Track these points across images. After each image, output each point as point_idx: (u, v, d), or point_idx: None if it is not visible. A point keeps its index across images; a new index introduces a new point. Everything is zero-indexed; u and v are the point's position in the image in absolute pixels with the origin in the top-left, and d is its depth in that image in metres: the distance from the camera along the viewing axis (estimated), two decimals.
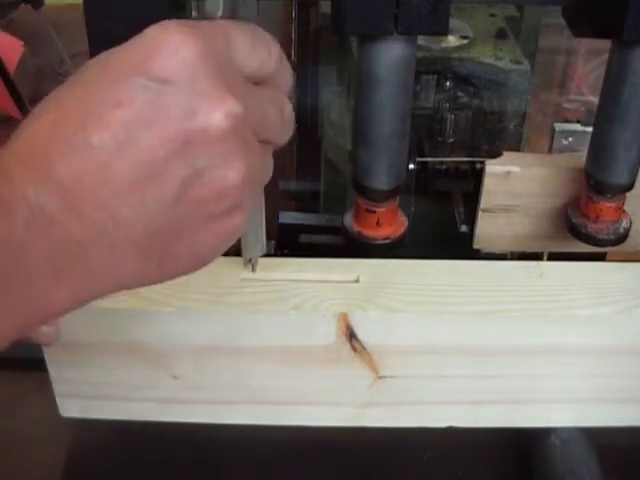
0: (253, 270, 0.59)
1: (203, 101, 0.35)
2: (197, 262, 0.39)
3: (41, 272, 0.34)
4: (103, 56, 0.36)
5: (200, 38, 0.36)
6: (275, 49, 0.40)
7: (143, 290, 0.55)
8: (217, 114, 0.35)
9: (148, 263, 0.36)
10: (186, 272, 0.39)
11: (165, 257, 0.37)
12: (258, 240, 0.59)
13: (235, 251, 0.95)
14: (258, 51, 0.39)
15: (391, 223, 0.60)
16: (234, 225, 0.38)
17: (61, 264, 0.34)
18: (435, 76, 0.76)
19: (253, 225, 0.58)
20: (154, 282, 0.38)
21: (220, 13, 0.48)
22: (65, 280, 0.34)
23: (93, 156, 0.33)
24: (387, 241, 0.60)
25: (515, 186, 0.64)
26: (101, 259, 0.35)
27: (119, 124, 0.34)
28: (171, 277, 0.38)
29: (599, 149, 0.58)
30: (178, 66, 0.35)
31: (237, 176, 0.36)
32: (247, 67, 0.38)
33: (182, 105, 0.35)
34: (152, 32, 0.36)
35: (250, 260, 0.59)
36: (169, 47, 0.35)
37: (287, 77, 0.42)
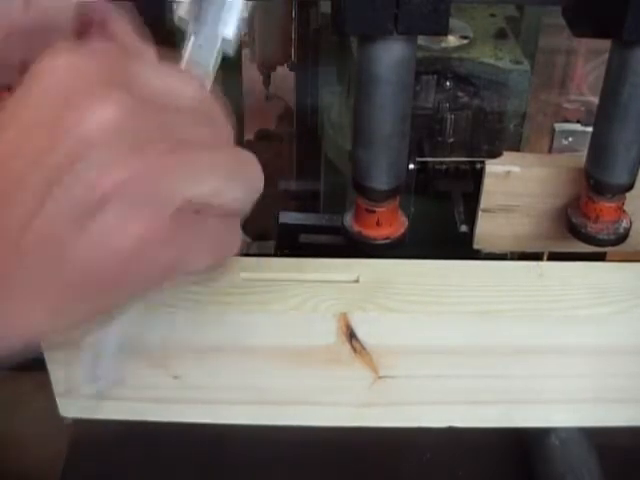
0: None
1: (85, 98, 0.32)
2: (100, 286, 0.33)
3: None
4: None
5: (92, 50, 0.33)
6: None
7: None
8: (97, 107, 0.31)
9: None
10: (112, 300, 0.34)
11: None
12: None
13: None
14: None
15: (391, 223, 0.60)
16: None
17: None
18: (435, 76, 0.77)
19: None
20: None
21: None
22: None
23: None
24: (387, 241, 0.60)
25: (515, 186, 0.64)
26: None
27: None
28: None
29: (599, 149, 0.58)
30: (66, 77, 0.32)
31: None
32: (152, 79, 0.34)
33: (66, 109, 0.32)
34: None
35: None
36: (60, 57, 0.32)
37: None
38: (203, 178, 0.33)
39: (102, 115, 0.31)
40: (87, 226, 0.31)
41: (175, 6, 0.41)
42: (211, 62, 0.41)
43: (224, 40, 0.42)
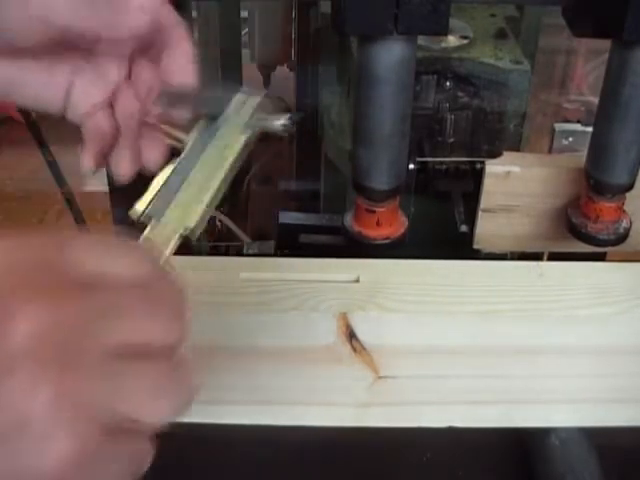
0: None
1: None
2: None
3: None
4: None
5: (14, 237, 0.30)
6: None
7: None
8: (9, 328, 0.28)
9: None
10: None
11: None
12: None
13: (235, 251, 0.95)
14: (103, 251, 0.32)
15: (391, 223, 0.60)
16: None
17: None
18: (435, 76, 0.76)
19: None
20: None
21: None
22: None
23: None
24: (387, 241, 0.60)
25: (515, 186, 0.64)
26: None
27: None
28: None
29: (599, 149, 0.58)
30: None
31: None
32: (94, 264, 0.31)
33: None
34: None
35: None
36: None
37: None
38: (129, 396, 0.30)
39: (23, 328, 0.28)
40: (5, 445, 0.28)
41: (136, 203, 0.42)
42: (170, 244, 0.41)
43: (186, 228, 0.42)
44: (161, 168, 0.44)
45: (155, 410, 0.32)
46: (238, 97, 0.46)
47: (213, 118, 0.45)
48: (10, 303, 0.28)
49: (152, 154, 0.45)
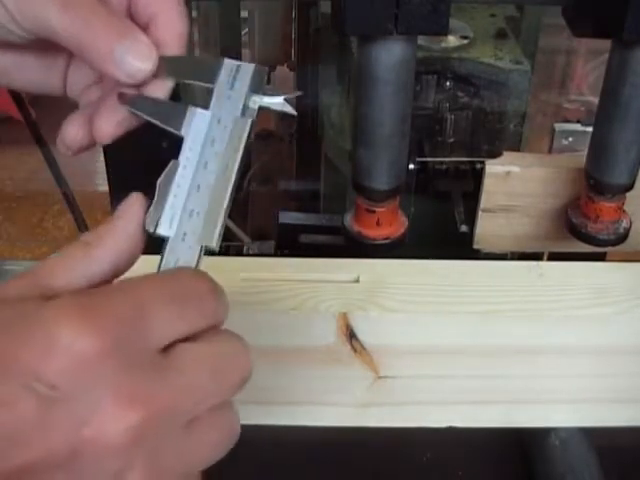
0: None
1: (97, 412, 0.30)
2: None
3: None
4: None
5: (101, 329, 0.31)
6: (210, 304, 0.36)
7: None
8: (112, 427, 0.31)
9: None
10: None
11: None
12: None
13: (235, 251, 0.95)
14: (186, 315, 0.34)
15: (391, 223, 0.60)
16: None
17: None
18: (435, 76, 0.77)
19: None
20: None
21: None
22: None
23: None
24: (387, 241, 0.60)
25: (515, 186, 0.64)
26: None
27: (1, 427, 0.30)
28: None
29: (599, 149, 0.58)
30: (71, 369, 0.30)
31: None
32: (171, 336, 0.34)
33: (72, 415, 0.30)
34: (45, 317, 0.31)
35: None
36: (61, 345, 0.30)
37: (223, 318, 0.38)
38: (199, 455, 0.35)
39: (120, 425, 0.31)
40: None
41: (155, 221, 0.38)
42: (195, 262, 0.39)
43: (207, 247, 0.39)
44: (164, 170, 0.39)
45: (214, 459, 0.37)
46: (227, 64, 0.40)
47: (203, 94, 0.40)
48: (116, 399, 0.31)
49: (105, 120, 0.41)
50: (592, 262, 0.63)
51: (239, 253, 0.91)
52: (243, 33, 1.25)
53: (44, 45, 0.40)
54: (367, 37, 0.51)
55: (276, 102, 0.40)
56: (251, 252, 0.91)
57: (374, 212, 0.58)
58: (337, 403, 0.60)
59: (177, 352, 0.34)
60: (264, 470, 0.59)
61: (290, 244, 0.79)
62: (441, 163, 0.76)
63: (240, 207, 1.14)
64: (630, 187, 0.59)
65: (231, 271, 0.59)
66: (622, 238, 0.61)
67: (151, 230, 0.38)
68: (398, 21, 0.49)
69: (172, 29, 0.41)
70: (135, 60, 0.39)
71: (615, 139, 0.56)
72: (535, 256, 0.72)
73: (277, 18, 1.18)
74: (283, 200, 1.10)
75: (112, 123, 0.41)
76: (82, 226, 1.12)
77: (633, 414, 0.60)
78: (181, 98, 0.42)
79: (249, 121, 0.39)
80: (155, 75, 0.40)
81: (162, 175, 0.39)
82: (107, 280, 0.36)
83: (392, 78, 0.52)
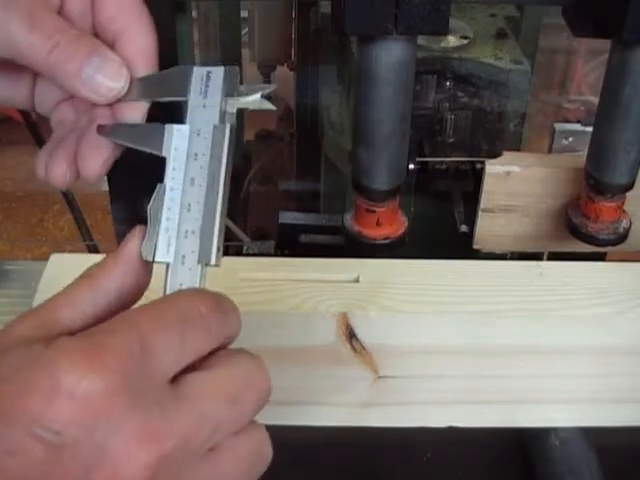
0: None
1: (107, 454, 0.30)
2: None
3: None
4: None
5: (103, 369, 0.30)
6: (214, 322, 0.35)
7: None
8: (126, 468, 0.30)
9: None
10: None
11: None
12: None
13: (235, 251, 0.95)
14: (188, 343, 0.34)
15: (391, 223, 0.60)
16: None
17: None
18: (435, 76, 0.76)
19: None
20: None
21: None
22: None
23: None
24: (387, 241, 0.60)
25: (515, 186, 0.64)
26: None
27: (12, 476, 0.30)
28: None
29: (599, 149, 0.58)
30: (76, 413, 0.30)
31: None
32: (178, 364, 0.33)
33: (80, 459, 0.30)
34: (48, 361, 0.30)
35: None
36: (65, 389, 0.30)
37: (235, 331, 0.37)
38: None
39: (135, 465, 0.30)
40: None
41: (151, 249, 0.37)
42: (198, 281, 0.38)
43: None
44: (151, 194, 0.38)
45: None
46: (196, 72, 0.39)
47: (178, 108, 0.39)
48: (127, 440, 0.30)
49: (91, 161, 0.41)
50: (592, 262, 0.63)
51: (239, 253, 0.91)
52: (243, 33, 1.25)
53: (8, 61, 0.40)
54: (367, 37, 0.51)
55: (253, 100, 0.39)
56: (251, 252, 0.91)
57: (374, 212, 0.58)
58: (337, 403, 0.60)
59: (188, 381, 0.33)
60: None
61: (290, 244, 0.79)
62: (441, 163, 0.76)
63: (240, 207, 1.14)
64: (630, 187, 0.59)
65: (231, 271, 0.59)
66: (622, 238, 0.61)
67: (149, 259, 0.37)
68: (398, 21, 0.49)
69: (140, 44, 0.40)
70: (105, 79, 0.38)
71: (615, 139, 0.56)
72: (535, 256, 0.72)
73: (277, 18, 1.18)
74: (283, 200, 1.10)
75: (99, 163, 0.40)
76: (82, 226, 1.12)
77: (633, 414, 0.60)
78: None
79: (228, 126, 0.38)
80: (128, 97, 0.39)
81: (151, 201, 0.38)
82: (113, 312, 0.35)
83: (392, 78, 0.52)
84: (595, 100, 0.58)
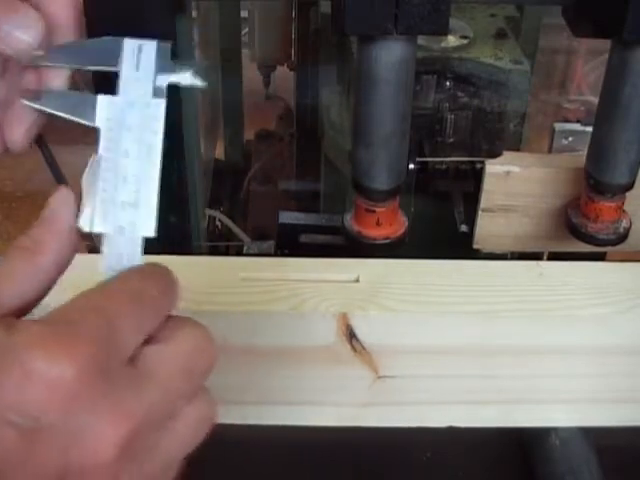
0: None
1: (82, 435, 0.31)
2: None
3: None
4: None
5: (74, 353, 0.31)
6: (165, 302, 0.36)
7: None
8: (99, 446, 0.31)
9: None
10: None
11: None
12: None
13: (235, 251, 0.95)
14: (145, 320, 0.34)
15: (391, 223, 0.60)
16: None
17: None
18: (435, 76, 0.77)
19: None
20: None
21: None
22: None
23: None
24: (387, 241, 0.60)
25: (515, 186, 0.64)
26: None
27: None
28: None
29: (599, 149, 0.58)
30: (50, 398, 0.30)
31: None
32: (136, 344, 0.34)
33: (57, 442, 0.31)
34: (15, 348, 0.31)
35: None
36: (37, 375, 0.30)
37: (177, 301, 0.37)
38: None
39: (107, 443, 0.31)
40: None
41: (88, 219, 0.37)
42: (137, 254, 0.38)
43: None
44: (85, 165, 0.38)
45: (195, 445, 0.37)
46: (127, 44, 0.38)
47: (106, 80, 0.38)
48: (98, 421, 0.31)
49: (12, 128, 0.40)
50: (592, 262, 0.63)
51: (239, 253, 0.91)
52: (243, 33, 1.25)
53: None
54: (367, 37, 0.51)
55: (184, 77, 0.39)
56: (251, 252, 0.91)
57: (374, 212, 0.58)
58: (337, 403, 0.60)
59: (145, 358, 0.34)
60: (264, 470, 0.59)
61: (290, 244, 0.79)
62: (441, 163, 0.76)
63: (240, 207, 1.14)
64: (630, 187, 0.59)
65: (231, 271, 0.59)
66: (622, 238, 0.61)
67: (87, 229, 0.37)
68: (398, 21, 0.49)
69: (63, 1, 0.39)
70: (23, 34, 0.37)
71: (615, 139, 0.56)
72: (535, 256, 0.72)
73: (277, 18, 1.18)
74: (283, 200, 1.10)
75: (21, 131, 0.40)
76: None
77: (633, 414, 0.60)
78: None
79: (163, 101, 0.38)
80: (52, 62, 0.38)
81: (85, 172, 0.38)
82: (50, 286, 0.35)
83: (392, 78, 0.52)
84: (595, 100, 0.58)
